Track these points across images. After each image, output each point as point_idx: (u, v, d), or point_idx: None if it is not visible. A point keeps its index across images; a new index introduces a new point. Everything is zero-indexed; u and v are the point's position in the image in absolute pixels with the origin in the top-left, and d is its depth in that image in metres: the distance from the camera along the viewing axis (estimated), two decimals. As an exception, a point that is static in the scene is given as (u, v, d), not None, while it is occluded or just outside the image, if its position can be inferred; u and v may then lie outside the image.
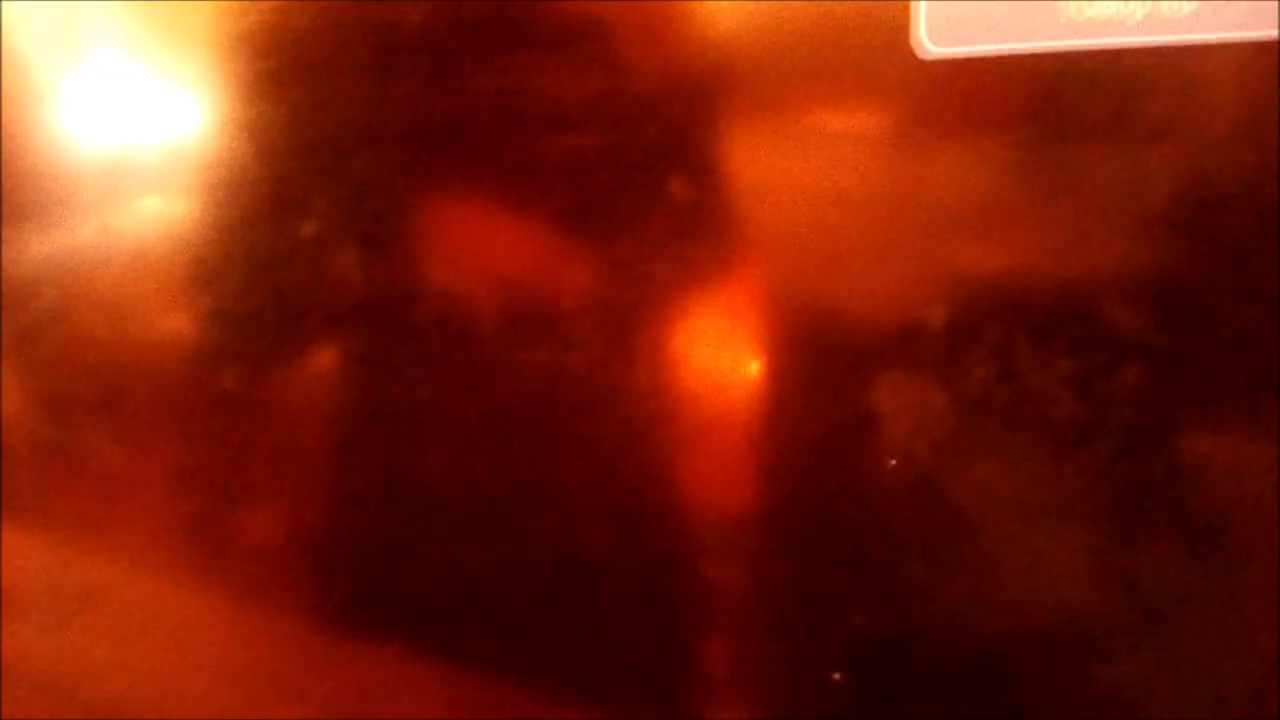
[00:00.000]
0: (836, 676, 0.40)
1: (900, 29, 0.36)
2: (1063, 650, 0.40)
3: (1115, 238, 0.38)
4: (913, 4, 0.35)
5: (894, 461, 0.39)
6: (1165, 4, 0.35)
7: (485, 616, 0.41)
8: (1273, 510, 0.40)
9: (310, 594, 0.41)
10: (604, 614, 0.41)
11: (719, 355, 0.39)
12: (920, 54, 0.35)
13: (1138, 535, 0.40)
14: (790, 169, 0.37)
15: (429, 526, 0.40)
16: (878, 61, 0.36)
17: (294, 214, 0.37)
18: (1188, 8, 0.35)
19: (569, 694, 0.41)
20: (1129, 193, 0.38)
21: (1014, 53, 0.35)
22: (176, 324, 0.38)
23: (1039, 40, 0.35)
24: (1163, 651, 0.40)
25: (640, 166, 0.37)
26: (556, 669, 0.41)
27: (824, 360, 0.38)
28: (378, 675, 0.41)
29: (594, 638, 0.40)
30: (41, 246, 0.38)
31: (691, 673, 0.41)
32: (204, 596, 0.41)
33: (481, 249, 0.38)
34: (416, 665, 0.41)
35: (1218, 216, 0.38)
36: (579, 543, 0.40)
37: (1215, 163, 0.38)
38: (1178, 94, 0.37)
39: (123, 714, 0.42)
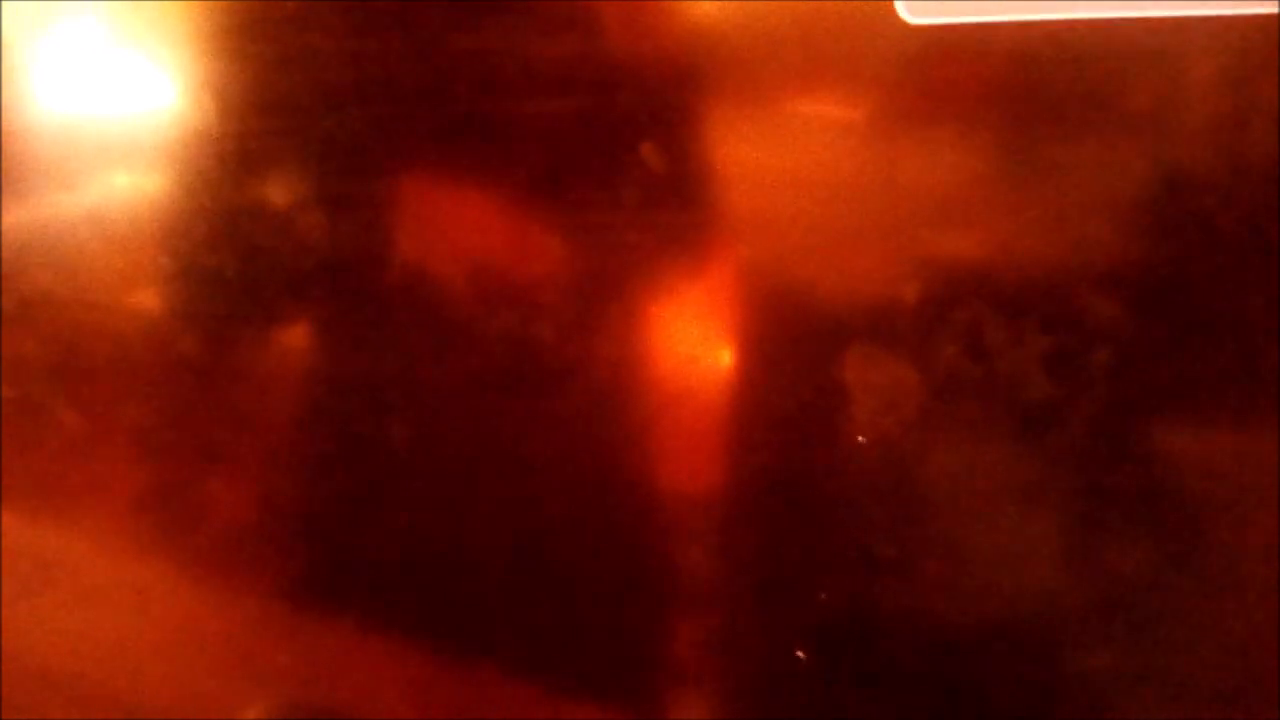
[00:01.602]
0: (801, 654, 0.40)
1: (880, 5, 0.35)
2: (1030, 632, 0.40)
3: (1090, 222, 0.38)
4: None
5: (863, 439, 0.38)
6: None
7: (447, 588, 0.40)
8: (1242, 497, 0.40)
9: (271, 562, 0.40)
10: (567, 587, 0.40)
11: (689, 327, 0.38)
12: (899, 23, 0.35)
13: (1107, 518, 0.40)
14: (765, 142, 0.37)
15: (392, 496, 0.39)
16: (856, 38, 0.36)
17: (257, 175, 0.36)
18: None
19: (530, 667, 0.40)
20: (1105, 177, 0.37)
21: (992, 21, 0.34)
22: (136, 285, 0.37)
23: (1016, 11, 0.34)
24: (1131, 636, 0.40)
25: (613, 133, 0.36)
26: (518, 643, 0.40)
27: (794, 335, 0.38)
28: (338, 646, 0.40)
29: (557, 611, 0.40)
30: (-3, 204, 0.37)
31: (655, 647, 0.41)
32: (164, 564, 0.40)
33: (450, 213, 0.37)
34: (377, 637, 0.40)
35: (1194, 204, 0.38)
36: (544, 515, 0.39)
37: (1193, 151, 0.38)
38: (1157, 81, 0.37)
39: (83, 684, 0.41)
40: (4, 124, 0.36)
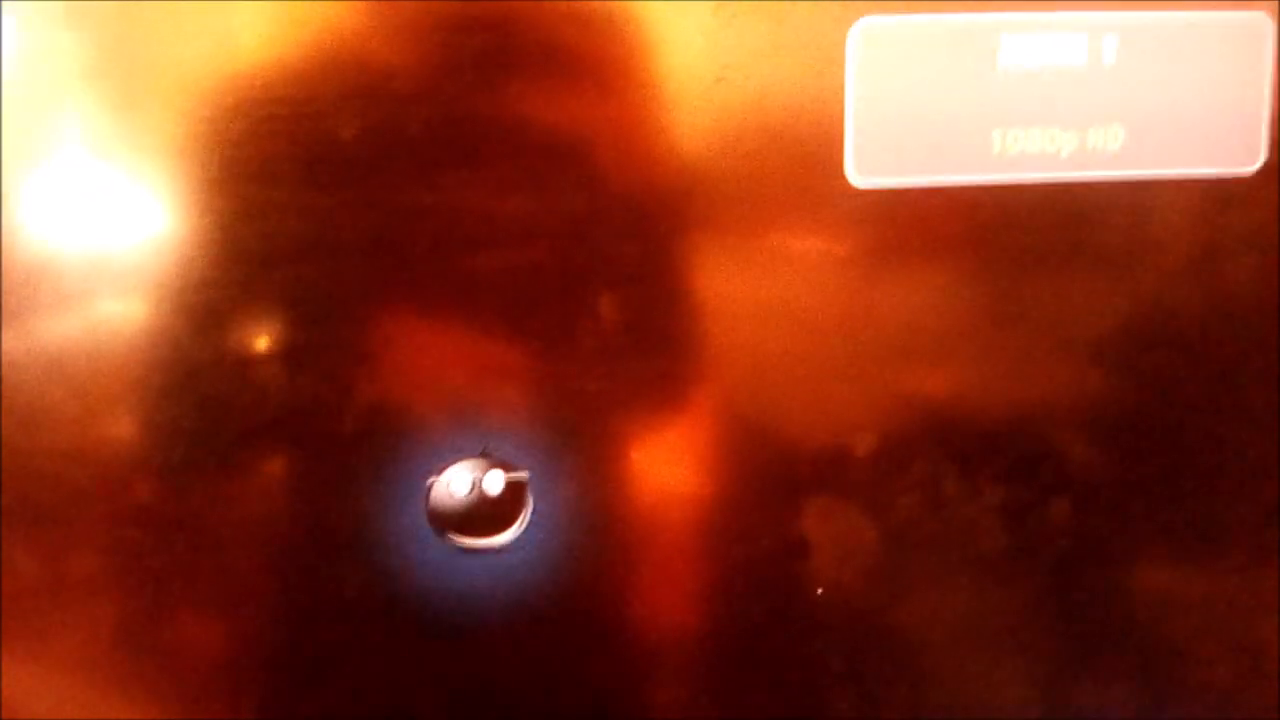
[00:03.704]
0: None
1: (839, 154, 0.36)
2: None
3: (1054, 367, 0.38)
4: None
5: (821, 590, 0.38)
6: (1093, 138, 0.35)
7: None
8: (1211, 640, 0.40)
9: (230, 712, 0.40)
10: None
11: (648, 476, 0.38)
12: (850, 184, 0.35)
13: (1072, 667, 0.40)
14: (723, 291, 0.37)
15: (351, 645, 0.39)
16: (817, 187, 0.36)
17: (217, 325, 0.37)
18: (1116, 144, 0.35)
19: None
20: (1068, 324, 0.38)
21: (943, 185, 0.35)
22: (92, 432, 0.37)
23: (968, 174, 0.35)
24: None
25: (569, 285, 0.36)
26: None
27: (753, 484, 0.38)
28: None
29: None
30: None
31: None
32: (124, 710, 0.40)
33: (408, 364, 0.37)
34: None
35: (1159, 347, 0.38)
36: (503, 660, 0.39)
37: (1157, 293, 0.38)
38: (1118, 225, 0.37)
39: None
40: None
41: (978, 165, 0.35)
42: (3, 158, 0.36)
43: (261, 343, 0.37)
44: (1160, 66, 0.34)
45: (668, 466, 0.38)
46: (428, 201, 0.36)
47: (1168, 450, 0.39)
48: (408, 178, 0.36)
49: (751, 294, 0.37)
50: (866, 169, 0.35)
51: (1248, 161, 0.36)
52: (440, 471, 0.37)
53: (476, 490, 0.37)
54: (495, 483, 0.37)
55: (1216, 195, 0.37)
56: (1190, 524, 0.39)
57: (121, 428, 0.37)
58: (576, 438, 0.38)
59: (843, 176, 0.36)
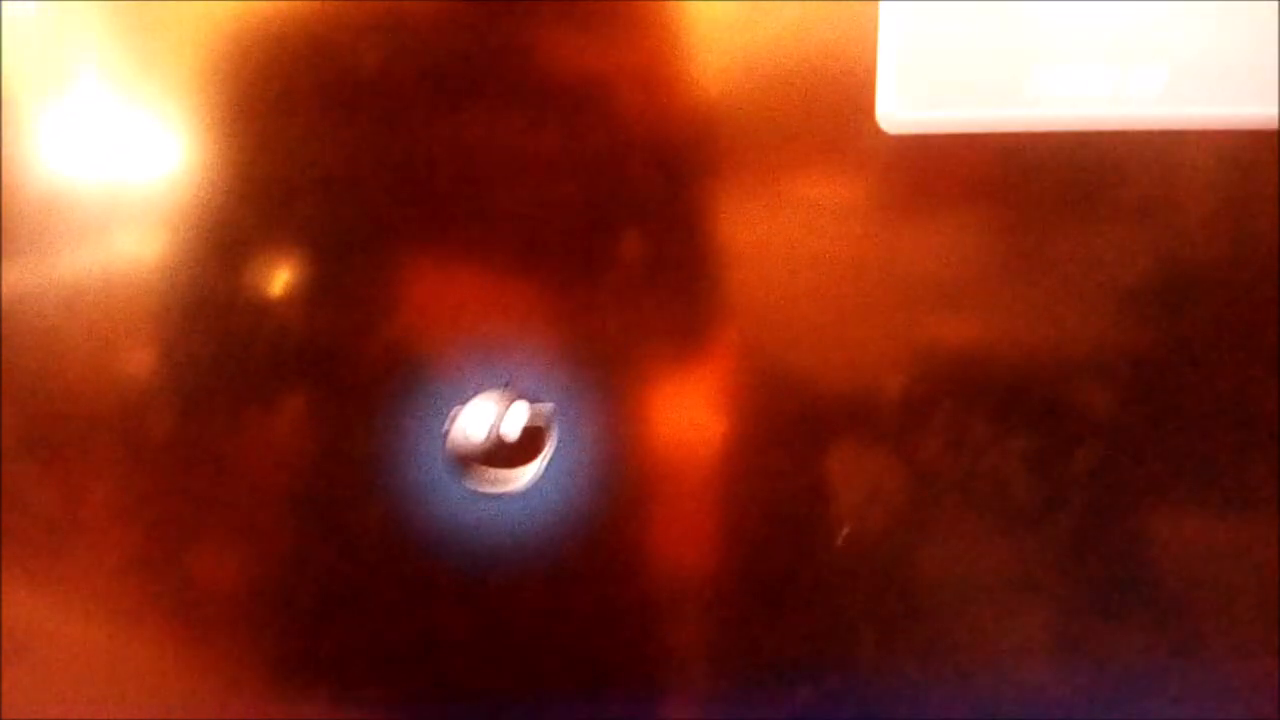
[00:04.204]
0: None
1: (867, 98, 0.35)
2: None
3: (1080, 316, 0.37)
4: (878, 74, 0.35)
5: (846, 531, 0.38)
6: (1135, 78, 0.34)
7: (421, 669, 0.40)
8: (1234, 589, 0.40)
9: (244, 644, 0.40)
10: (545, 670, 0.40)
11: (671, 414, 0.38)
12: (884, 126, 0.35)
13: (1098, 612, 0.39)
14: (749, 233, 0.37)
15: (370, 581, 0.39)
16: (844, 130, 0.36)
17: (236, 258, 0.36)
18: (1158, 85, 0.34)
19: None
20: (1096, 272, 0.37)
21: (978, 127, 0.34)
22: (109, 365, 0.37)
23: (1005, 114, 0.34)
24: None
25: (592, 224, 0.36)
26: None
27: (779, 425, 0.38)
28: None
29: (539, 698, 0.39)
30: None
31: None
32: (140, 640, 0.40)
33: (430, 298, 0.37)
34: (351, 711, 0.40)
35: (1187, 298, 0.38)
36: (521, 598, 0.39)
37: (1186, 244, 0.37)
38: (1150, 175, 0.37)
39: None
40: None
41: (1013, 104, 0.34)
42: (19, 89, 0.36)
43: (280, 277, 0.36)
44: (1207, 5, 0.33)
45: (690, 409, 0.38)
46: (450, 136, 0.35)
47: (1194, 400, 0.38)
48: (430, 111, 0.35)
49: (777, 236, 0.36)
50: (898, 108, 0.34)
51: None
52: (460, 412, 0.37)
53: (496, 432, 0.37)
54: (515, 425, 0.37)
55: (1251, 144, 0.36)
56: (1215, 473, 0.39)
57: (138, 363, 0.37)
58: (598, 379, 0.37)
59: (873, 118, 0.35)
